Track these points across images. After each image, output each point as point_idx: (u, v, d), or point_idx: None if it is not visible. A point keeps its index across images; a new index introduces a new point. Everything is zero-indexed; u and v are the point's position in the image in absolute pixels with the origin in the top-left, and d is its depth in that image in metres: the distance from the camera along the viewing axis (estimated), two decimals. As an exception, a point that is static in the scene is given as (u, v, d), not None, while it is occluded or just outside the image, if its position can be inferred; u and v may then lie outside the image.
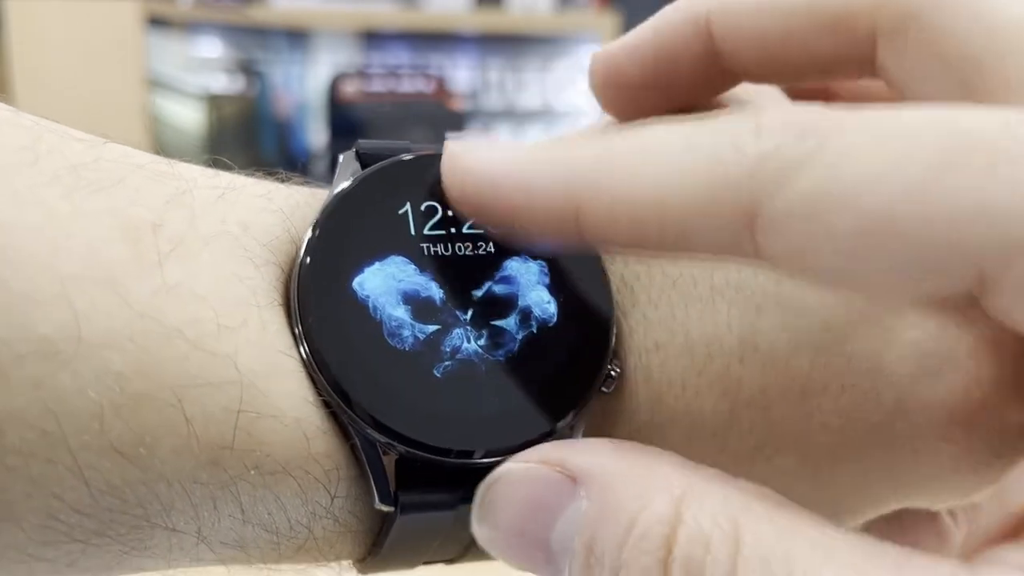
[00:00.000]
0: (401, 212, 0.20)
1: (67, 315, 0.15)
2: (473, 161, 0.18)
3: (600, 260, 0.21)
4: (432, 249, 0.19)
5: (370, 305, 0.18)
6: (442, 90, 2.49)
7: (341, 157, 0.21)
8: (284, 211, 0.19)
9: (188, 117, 2.20)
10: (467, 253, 0.20)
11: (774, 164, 0.15)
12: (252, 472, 0.17)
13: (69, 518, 0.16)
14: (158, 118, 2.10)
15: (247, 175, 0.20)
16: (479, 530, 0.17)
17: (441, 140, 0.19)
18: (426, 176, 0.20)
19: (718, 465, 0.20)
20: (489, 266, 0.20)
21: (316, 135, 2.51)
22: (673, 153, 0.16)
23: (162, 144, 2.12)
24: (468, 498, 0.18)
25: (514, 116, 2.68)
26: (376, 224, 0.19)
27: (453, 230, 0.20)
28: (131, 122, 1.95)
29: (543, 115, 2.68)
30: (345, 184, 0.20)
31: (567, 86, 2.66)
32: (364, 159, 0.20)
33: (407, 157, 0.20)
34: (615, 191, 0.16)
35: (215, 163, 0.20)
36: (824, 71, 0.21)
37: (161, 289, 0.16)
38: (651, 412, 0.20)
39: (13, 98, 1.88)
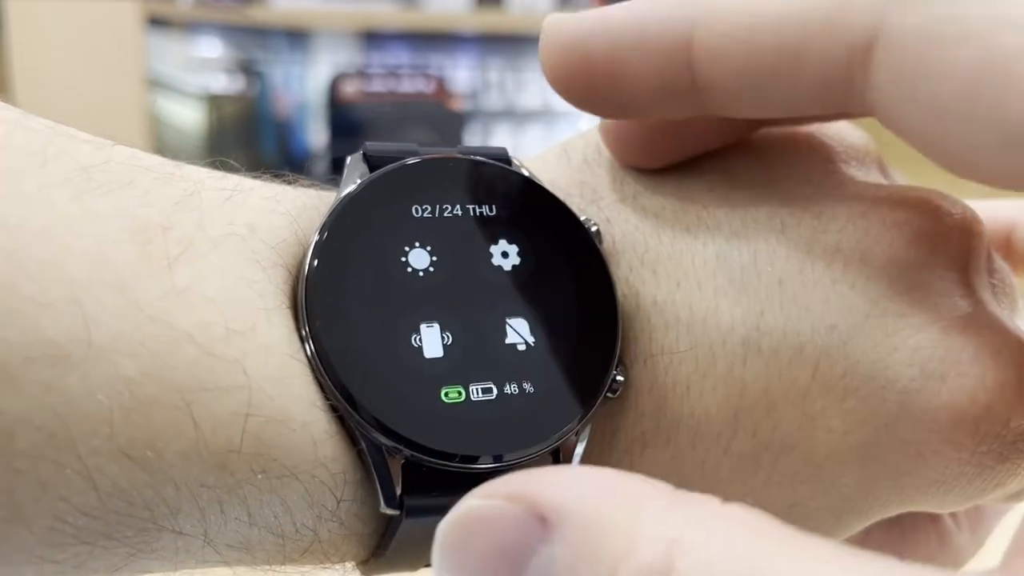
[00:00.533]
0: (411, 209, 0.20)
1: (77, 319, 0.15)
2: (580, 17, 0.19)
3: (605, 266, 0.21)
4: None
5: None
6: (442, 90, 2.48)
7: (348, 159, 0.21)
8: (291, 213, 0.19)
9: (188, 117, 2.19)
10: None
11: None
12: (259, 476, 0.17)
13: (77, 520, 0.16)
14: (158, 118, 2.09)
15: (254, 177, 0.20)
16: None
17: (441, 140, 0.19)
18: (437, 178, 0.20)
19: (723, 467, 0.20)
20: (497, 272, 0.20)
21: (316, 135, 2.51)
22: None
23: (162, 144, 2.11)
24: None
25: (514, 116, 2.68)
26: (383, 228, 0.19)
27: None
28: (131, 122, 1.95)
29: (543, 115, 2.68)
30: (352, 187, 0.20)
31: (567, 86, 2.65)
32: (372, 161, 0.20)
33: (414, 160, 0.20)
34: (733, 10, 0.17)
35: (222, 165, 0.20)
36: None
37: (171, 292, 0.16)
38: (656, 416, 0.20)
39: (13, 98, 1.88)
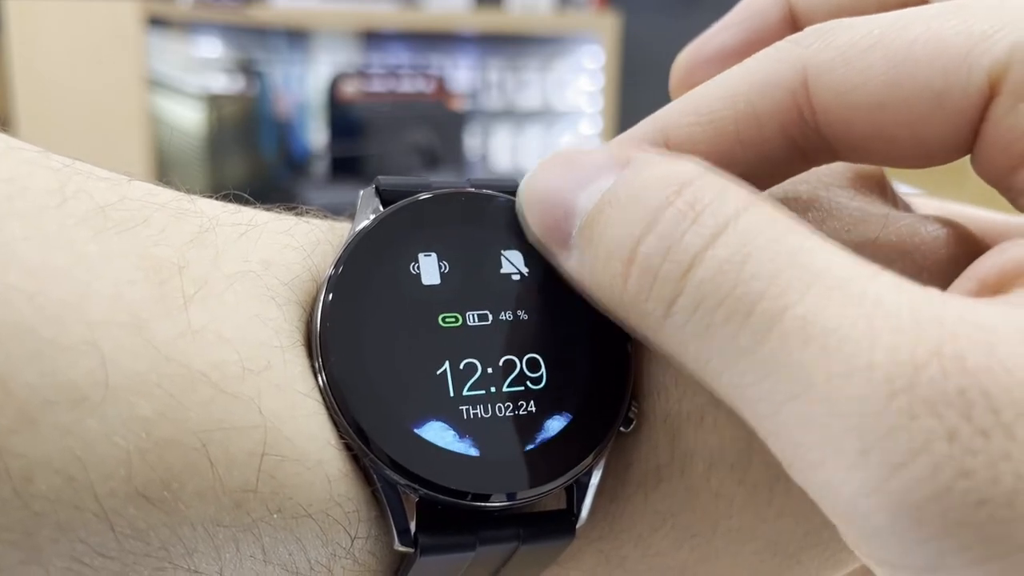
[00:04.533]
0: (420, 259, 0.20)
1: (95, 361, 0.15)
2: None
3: None
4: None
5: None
6: (442, 90, 2.48)
7: (361, 193, 0.21)
8: (305, 248, 0.19)
9: (188, 117, 2.19)
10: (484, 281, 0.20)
11: (815, 33, 0.19)
12: (275, 515, 0.17)
13: (94, 561, 0.16)
14: (158, 118, 2.09)
15: (267, 209, 0.20)
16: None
17: (441, 140, 0.19)
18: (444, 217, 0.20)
19: (737, 497, 0.20)
20: (510, 305, 0.20)
21: (316, 135, 2.51)
22: (735, 69, 0.20)
23: (162, 144, 2.11)
24: (486, 540, 0.18)
25: (514, 116, 2.68)
26: (398, 263, 0.19)
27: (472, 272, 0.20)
28: (131, 122, 1.94)
29: (543, 115, 2.68)
30: (367, 221, 0.20)
31: (567, 86, 2.66)
32: (384, 195, 0.20)
33: (428, 195, 0.20)
34: (689, 103, 0.20)
35: (235, 198, 0.20)
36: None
37: (186, 332, 0.16)
38: (671, 447, 0.20)
39: (13, 98, 1.88)
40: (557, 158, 0.20)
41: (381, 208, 0.20)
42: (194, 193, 0.20)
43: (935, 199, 0.26)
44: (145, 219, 0.17)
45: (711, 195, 0.17)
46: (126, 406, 0.15)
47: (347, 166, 2.34)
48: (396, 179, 0.21)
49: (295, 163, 2.49)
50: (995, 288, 0.17)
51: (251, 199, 0.21)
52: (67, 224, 0.16)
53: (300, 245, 0.19)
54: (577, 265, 0.19)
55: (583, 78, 2.65)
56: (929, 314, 0.15)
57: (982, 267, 0.17)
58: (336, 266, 0.19)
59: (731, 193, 0.17)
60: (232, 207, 0.20)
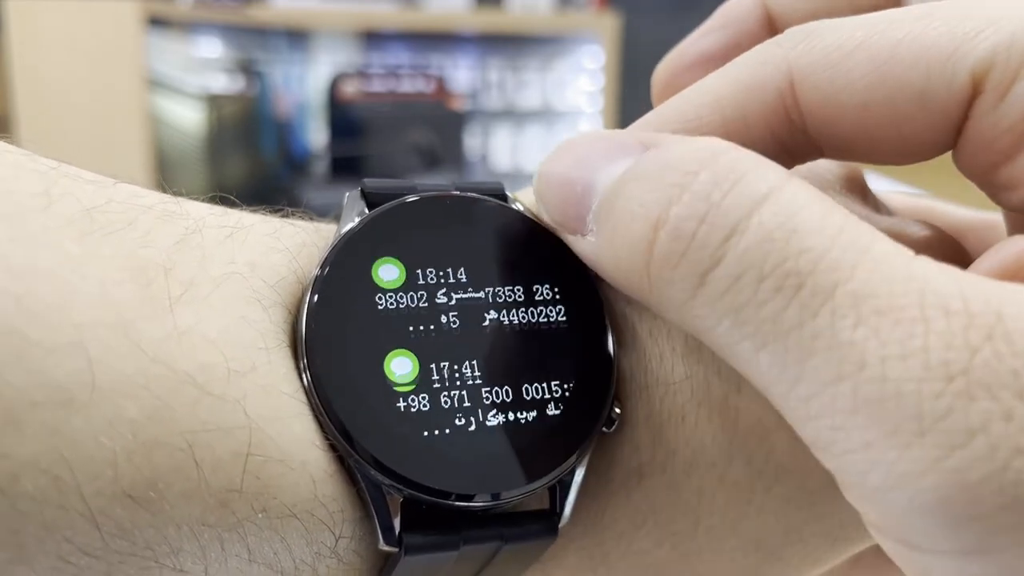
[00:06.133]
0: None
1: (81, 362, 0.15)
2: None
3: (601, 299, 0.21)
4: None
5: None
6: (442, 90, 2.48)
7: (347, 196, 0.21)
8: (291, 251, 0.20)
9: (188, 117, 2.19)
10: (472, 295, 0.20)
11: (799, 34, 0.19)
12: (260, 515, 0.17)
13: (79, 560, 0.16)
14: (158, 118, 2.09)
15: (253, 211, 0.21)
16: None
17: (441, 140, 0.19)
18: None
19: (718, 495, 0.21)
20: (490, 309, 0.20)
21: (316, 135, 2.51)
22: (718, 73, 0.20)
23: (162, 144, 2.11)
24: (470, 539, 0.19)
25: (514, 116, 2.68)
26: (383, 267, 0.20)
27: (463, 277, 0.20)
28: (131, 122, 1.95)
29: (543, 115, 2.68)
30: (352, 224, 0.20)
31: (567, 86, 2.66)
32: (370, 198, 0.21)
33: (413, 198, 0.21)
34: (674, 109, 0.20)
35: (222, 200, 0.20)
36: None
37: (173, 333, 0.17)
38: (652, 447, 0.20)
39: (13, 98, 1.88)
40: (577, 138, 0.19)
41: (367, 210, 0.20)
42: (183, 195, 0.20)
43: (905, 192, 0.26)
44: (131, 221, 0.18)
45: (749, 164, 0.17)
46: (112, 407, 0.16)
47: (347, 166, 2.34)
48: (382, 182, 0.21)
49: (295, 163, 2.49)
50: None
51: (237, 201, 0.21)
52: (53, 226, 0.16)
53: (286, 247, 0.20)
54: (594, 242, 0.18)
55: (583, 78, 2.65)
56: (976, 295, 0.15)
57: (985, 265, 0.17)
58: (321, 267, 0.19)
59: (769, 165, 0.17)
60: (219, 209, 0.20)
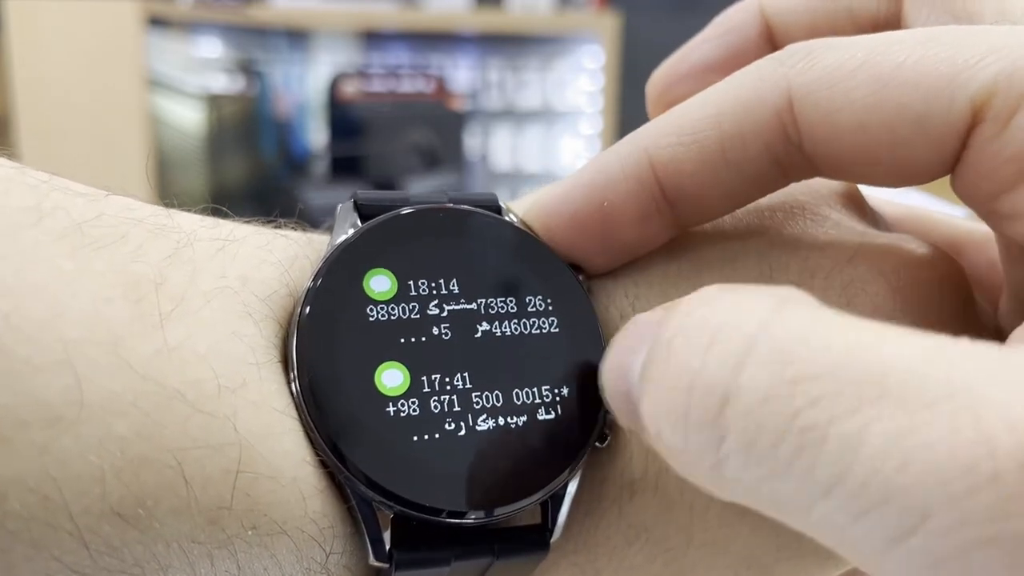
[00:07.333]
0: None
1: (70, 380, 0.15)
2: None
3: (594, 314, 0.21)
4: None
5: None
6: (442, 90, 2.48)
7: (339, 207, 0.21)
8: (283, 263, 0.19)
9: (188, 117, 2.19)
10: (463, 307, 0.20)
11: (799, 52, 0.19)
12: (250, 532, 0.17)
13: None
14: (158, 118, 2.09)
15: (246, 222, 0.21)
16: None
17: (441, 140, 0.19)
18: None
19: (711, 511, 0.21)
20: (482, 320, 0.20)
21: (316, 135, 2.51)
22: (717, 87, 0.20)
23: (162, 144, 2.11)
24: (461, 555, 0.18)
25: (514, 116, 2.68)
26: (375, 280, 0.19)
27: (455, 289, 0.20)
28: (131, 122, 1.95)
29: (543, 115, 2.68)
30: (345, 235, 0.20)
31: (567, 86, 2.66)
32: (363, 210, 0.20)
33: (407, 210, 0.21)
34: (671, 122, 0.20)
35: (214, 212, 0.20)
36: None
37: (163, 350, 0.16)
38: (645, 462, 0.20)
39: (13, 98, 1.87)
40: (627, 327, 0.17)
41: (359, 222, 0.20)
42: (181, 199, 0.20)
43: (902, 201, 0.26)
44: (122, 235, 0.17)
45: (726, 308, 0.15)
46: (101, 425, 0.15)
47: (347, 166, 2.34)
48: (374, 193, 0.21)
49: (295, 163, 2.49)
50: None
51: (229, 212, 0.21)
52: (44, 242, 0.16)
53: (278, 260, 0.19)
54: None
55: (583, 78, 2.65)
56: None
57: None
58: (314, 280, 0.19)
59: (746, 299, 0.15)
60: (210, 221, 0.20)
